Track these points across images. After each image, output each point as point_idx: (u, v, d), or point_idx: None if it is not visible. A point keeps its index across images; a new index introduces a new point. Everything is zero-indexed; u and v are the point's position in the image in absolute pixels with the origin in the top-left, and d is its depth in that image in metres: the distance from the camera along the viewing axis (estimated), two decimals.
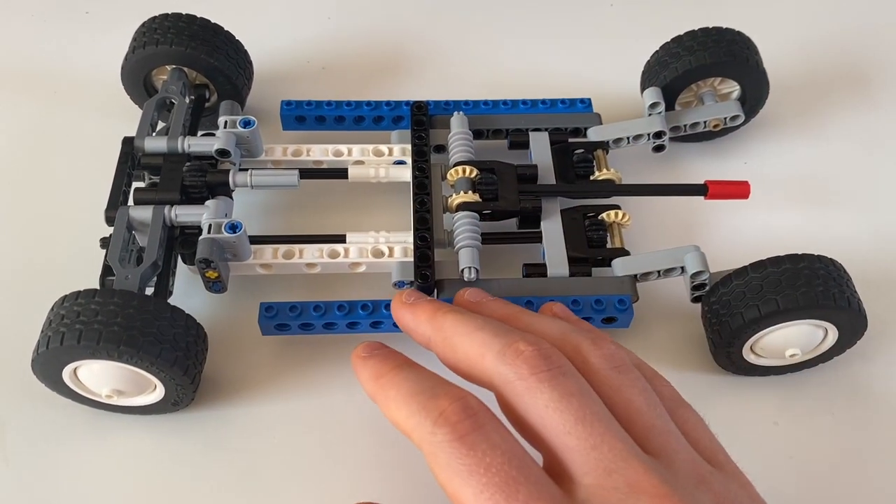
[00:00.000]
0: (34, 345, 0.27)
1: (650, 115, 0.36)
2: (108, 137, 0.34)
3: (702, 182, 0.34)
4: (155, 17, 0.35)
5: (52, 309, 0.28)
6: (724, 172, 0.38)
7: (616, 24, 0.45)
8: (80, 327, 0.26)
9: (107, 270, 0.30)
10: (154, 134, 0.33)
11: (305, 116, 0.36)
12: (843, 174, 0.38)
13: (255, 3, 0.44)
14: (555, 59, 0.42)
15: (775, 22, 0.44)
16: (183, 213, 0.30)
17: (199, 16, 0.36)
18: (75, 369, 0.28)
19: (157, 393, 0.29)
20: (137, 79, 0.36)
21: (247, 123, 0.33)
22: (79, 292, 0.27)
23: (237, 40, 0.36)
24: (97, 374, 0.28)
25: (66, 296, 0.27)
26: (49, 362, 0.27)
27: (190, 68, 0.35)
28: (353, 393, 0.30)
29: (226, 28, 0.36)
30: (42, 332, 0.27)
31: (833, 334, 0.30)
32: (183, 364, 0.28)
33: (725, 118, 0.36)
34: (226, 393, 0.31)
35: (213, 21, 0.36)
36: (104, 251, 0.30)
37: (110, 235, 0.30)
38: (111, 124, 0.37)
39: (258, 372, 0.31)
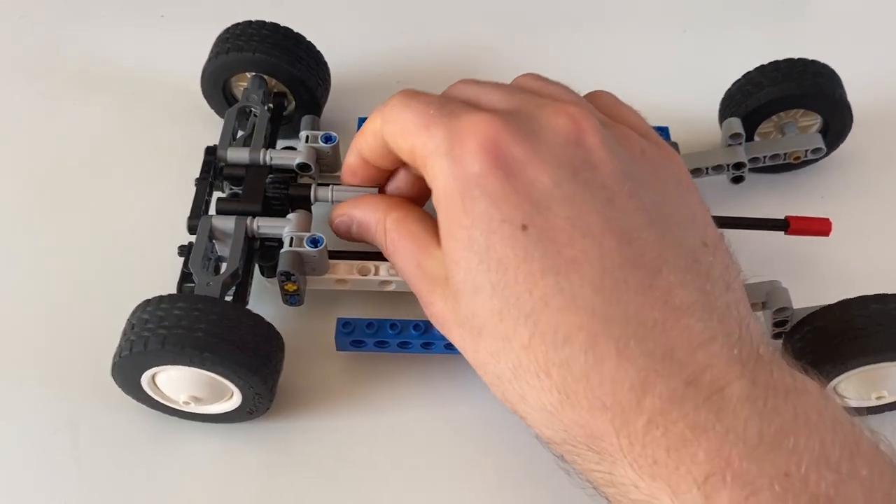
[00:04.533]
0: (113, 349, 0.28)
1: (729, 145, 0.36)
2: (182, 143, 0.35)
3: (782, 217, 0.34)
4: (238, 24, 0.36)
5: (134, 313, 0.28)
6: (799, 207, 0.37)
7: (692, 51, 0.44)
8: (163, 332, 0.26)
9: (185, 277, 0.30)
10: (233, 143, 0.33)
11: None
12: None
13: (331, 13, 0.44)
14: (631, 83, 0.42)
15: (858, 53, 0.43)
16: (265, 225, 0.30)
17: (281, 24, 0.36)
18: (154, 375, 0.28)
19: (233, 401, 0.29)
20: (217, 84, 0.36)
21: (328, 139, 0.33)
22: (162, 297, 0.28)
23: (318, 51, 0.37)
24: (176, 381, 0.28)
25: (149, 300, 0.28)
26: (129, 367, 0.27)
27: (270, 76, 0.35)
28: (425, 411, 0.31)
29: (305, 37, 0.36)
30: (123, 335, 0.27)
31: None
32: (262, 372, 0.28)
33: (807, 150, 0.36)
34: (298, 405, 0.31)
35: (294, 30, 0.36)
36: (182, 259, 0.30)
37: (189, 243, 0.30)
38: (186, 129, 0.38)
39: (330, 386, 0.31)
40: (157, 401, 0.29)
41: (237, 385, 0.28)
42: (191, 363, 0.27)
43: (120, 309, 0.28)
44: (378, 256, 0.31)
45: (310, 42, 0.36)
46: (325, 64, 0.37)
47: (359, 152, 0.30)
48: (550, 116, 0.26)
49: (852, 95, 0.36)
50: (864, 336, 0.28)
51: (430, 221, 0.28)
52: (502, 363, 0.24)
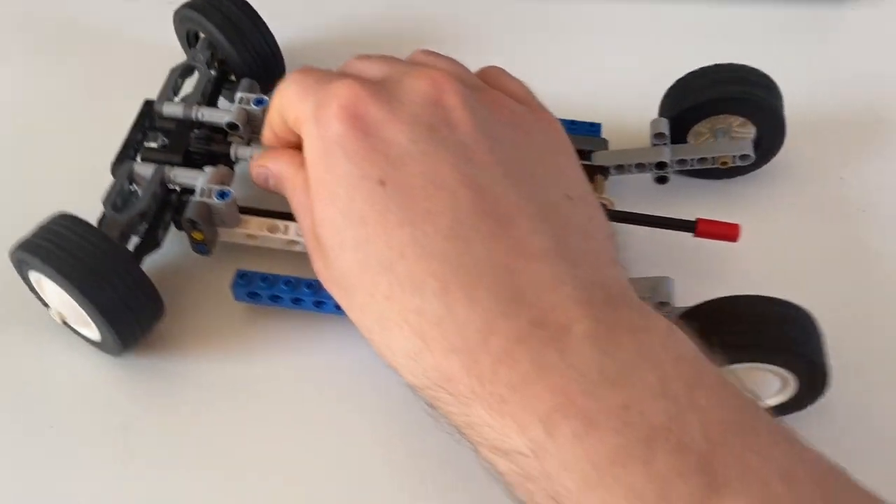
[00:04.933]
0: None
1: (655, 144, 0.36)
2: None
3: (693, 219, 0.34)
4: None
5: (49, 219, 0.30)
6: (725, 214, 0.37)
7: (638, 54, 0.45)
8: (42, 244, 0.29)
9: (104, 216, 0.32)
10: (177, 100, 0.36)
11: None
12: (851, 228, 0.37)
13: None
14: (574, 83, 0.42)
15: (801, 65, 0.43)
16: (181, 175, 0.32)
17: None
18: (40, 278, 0.30)
19: (95, 333, 0.31)
20: (182, 32, 0.39)
21: (259, 102, 0.35)
22: (64, 214, 0.30)
23: (275, 41, 0.38)
24: (52, 292, 0.30)
25: (62, 214, 0.30)
26: (19, 258, 0.30)
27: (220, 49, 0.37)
28: (309, 360, 0.33)
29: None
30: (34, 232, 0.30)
31: (793, 386, 0.29)
32: (121, 317, 0.29)
33: (734, 157, 0.36)
34: (191, 346, 0.33)
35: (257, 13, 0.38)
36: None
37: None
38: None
39: (226, 332, 0.33)
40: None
41: (93, 320, 0.30)
42: (55, 282, 0.29)
43: None
44: (291, 217, 0.33)
45: (269, 30, 0.38)
46: (278, 51, 0.39)
47: (270, 126, 0.31)
48: (413, 80, 0.27)
49: (797, 108, 0.36)
50: (729, 334, 0.28)
51: None
52: (369, 316, 0.26)
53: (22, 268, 0.30)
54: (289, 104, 0.29)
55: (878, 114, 0.42)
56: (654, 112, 0.39)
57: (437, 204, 0.25)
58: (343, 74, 0.28)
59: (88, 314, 0.29)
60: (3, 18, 0.45)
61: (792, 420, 0.30)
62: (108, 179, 0.33)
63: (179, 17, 0.38)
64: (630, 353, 0.22)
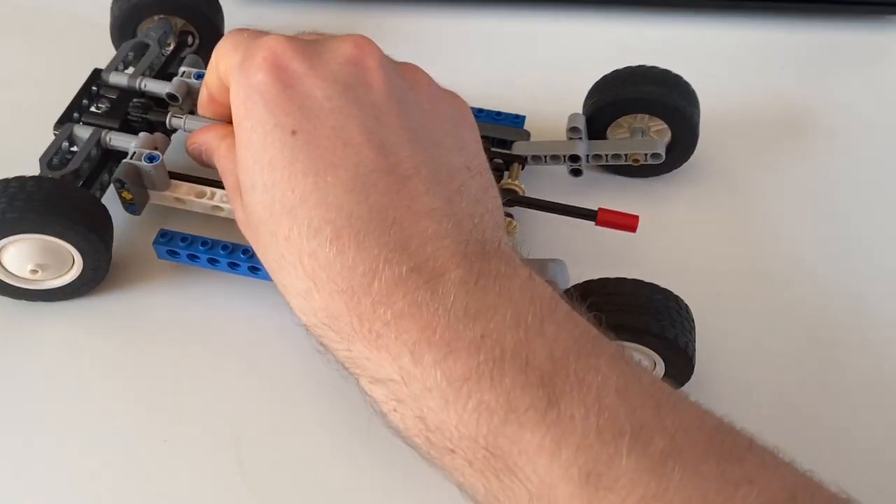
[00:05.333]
0: None
1: (570, 138, 0.38)
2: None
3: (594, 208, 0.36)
4: None
5: None
6: (638, 210, 0.39)
7: (568, 55, 0.47)
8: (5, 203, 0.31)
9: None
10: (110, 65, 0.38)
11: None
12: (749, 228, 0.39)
13: None
14: (503, 77, 0.45)
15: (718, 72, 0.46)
16: (116, 139, 0.35)
17: None
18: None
19: (74, 270, 0.33)
20: (126, 29, 0.41)
21: (200, 76, 0.37)
22: (7, 179, 0.32)
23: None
24: (22, 253, 0.32)
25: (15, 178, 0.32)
26: None
27: (175, 15, 0.40)
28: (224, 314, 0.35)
29: None
30: None
31: (659, 368, 0.31)
32: (99, 233, 0.32)
33: (646, 154, 0.38)
34: (122, 298, 0.35)
35: None
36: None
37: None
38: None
39: (152, 286, 0.36)
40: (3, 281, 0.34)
41: (79, 248, 0.32)
42: (31, 230, 0.31)
43: None
44: (219, 185, 0.35)
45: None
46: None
47: (206, 88, 0.34)
48: (338, 41, 0.29)
49: (718, 110, 0.38)
50: (609, 312, 0.29)
51: None
52: (271, 254, 0.28)
53: None
54: (221, 57, 0.31)
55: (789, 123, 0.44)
56: (579, 109, 0.41)
57: (342, 158, 0.26)
58: (270, 32, 0.30)
59: (73, 243, 0.32)
60: None
61: None
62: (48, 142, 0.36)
63: (122, 14, 0.40)
64: (492, 294, 0.25)
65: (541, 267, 0.33)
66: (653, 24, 0.49)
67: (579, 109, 0.41)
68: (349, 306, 0.25)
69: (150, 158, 0.34)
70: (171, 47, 0.41)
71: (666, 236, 0.38)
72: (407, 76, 0.30)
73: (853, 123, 0.44)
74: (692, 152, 0.39)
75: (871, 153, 0.43)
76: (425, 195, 0.26)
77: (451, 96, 0.31)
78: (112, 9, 0.41)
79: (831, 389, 0.34)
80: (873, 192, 0.41)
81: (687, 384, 0.32)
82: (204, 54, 0.40)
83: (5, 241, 0.32)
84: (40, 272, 0.33)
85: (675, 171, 0.40)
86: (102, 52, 0.41)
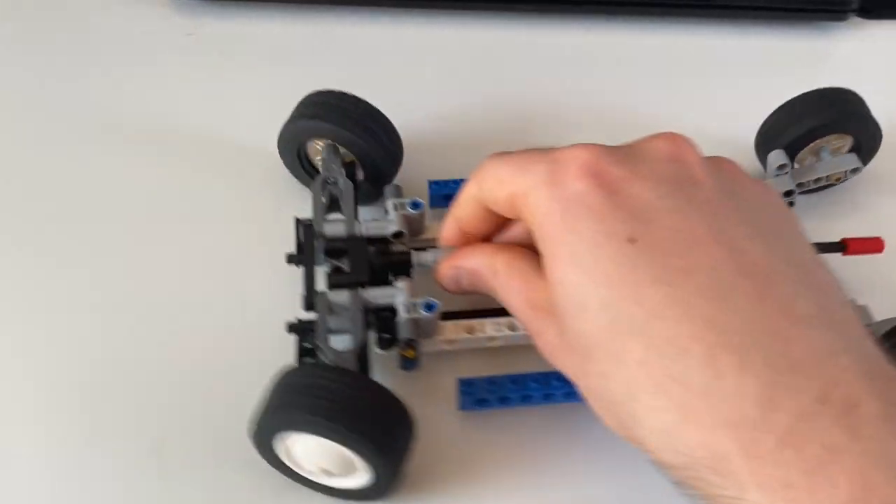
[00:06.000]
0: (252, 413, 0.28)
1: (777, 175, 0.38)
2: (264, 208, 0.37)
3: (837, 240, 0.36)
4: (321, 91, 0.37)
5: (276, 381, 0.28)
6: (841, 222, 0.40)
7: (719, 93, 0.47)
8: (305, 400, 0.27)
9: (304, 352, 0.31)
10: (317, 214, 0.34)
11: None
12: None
13: (400, 80, 0.45)
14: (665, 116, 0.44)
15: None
16: (378, 295, 0.31)
17: (363, 98, 0.37)
18: (288, 442, 0.29)
19: (359, 479, 0.29)
20: (293, 145, 0.37)
21: (415, 205, 0.34)
22: (313, 363, 0.29)
23: (393, 126, 0.37)
24: (309, 450, 0.29)
25: (291, 368, 0.29)
26: (265, 430, 0.28)
27: (343, 146, 0.36)
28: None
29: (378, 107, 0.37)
30: (266, 400, 0.28)
31: None
32: (390, 454, 0.28)
33: (846, 171, 0.39)
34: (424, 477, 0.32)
35: (370, 103, 0.37)
36: (293, 335, 0.31)
37: (299, 321, 0.31)
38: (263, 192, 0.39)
39: (453, 449, 0.32)
40: (287, 466, 0.30)
41: (367, 461, 0.28)
42: (324, 435, 0.27)
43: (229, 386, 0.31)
44: (477, 315, 0.33)
45: (386, 118, 0.37)
46: (398, 139, 0.38)
47: (456, 221, 0.31)
48: (649, 141, 0.27)
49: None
50: None
51: (536, 258, 0.28)
52: (613, 384, 0.24)
53: (267, 436, 0.28)
54: (502, 183, 0.28)
55: None
56: (743, 144, 0.41)
57: (693, 262, 0.24)
58: (563, 147, 0.27)
59: (360, 456, 0.28)
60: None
61: None
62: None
63: (293, 131, 0.36)
64: None
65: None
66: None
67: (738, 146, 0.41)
68: (742, 444, 0.21)
69: (428, 307, 0.31)
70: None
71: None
72: (722, 166, 0.28)
73: None
74: (874, 156, 0.40)
75: None
76: (797, 298, 0.23)
77: (763, 184, 0.29)
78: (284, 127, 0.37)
79: None
80: None
81: None
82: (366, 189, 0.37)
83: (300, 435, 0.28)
84: (325, 476, 0.29)
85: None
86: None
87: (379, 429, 0.28)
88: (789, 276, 0.24)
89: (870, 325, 0.33)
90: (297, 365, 0.29)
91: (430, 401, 0.33)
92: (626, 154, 0.26)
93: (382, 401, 0.28)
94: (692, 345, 0.22)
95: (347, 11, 0.47)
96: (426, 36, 0.47)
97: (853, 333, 0.24)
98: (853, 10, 0.48)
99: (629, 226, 0.24)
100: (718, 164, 0.28)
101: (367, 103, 0.37)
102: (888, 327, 0.32)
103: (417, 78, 0.45)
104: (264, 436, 0.28)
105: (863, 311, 0.33)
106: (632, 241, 0.24)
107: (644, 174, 0.26)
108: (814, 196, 0.41)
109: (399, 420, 0.29)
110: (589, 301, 0.24)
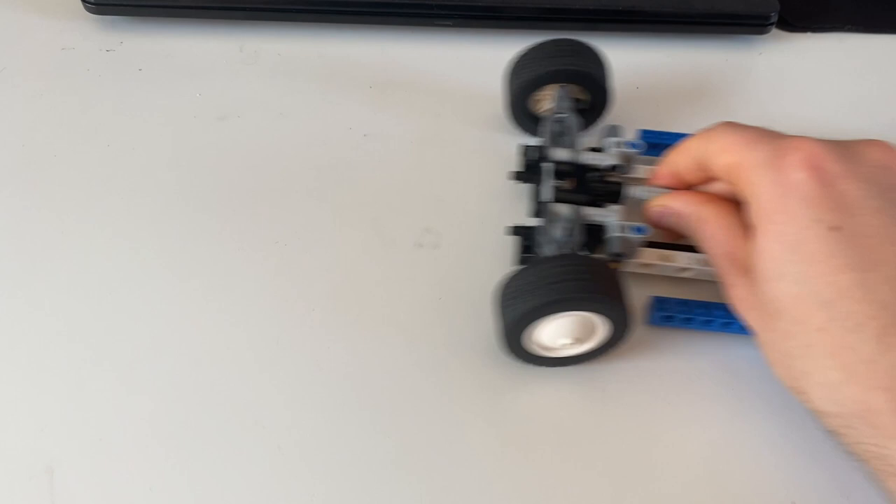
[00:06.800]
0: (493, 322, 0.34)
1: None
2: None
3: None
4: (532, 46, 0.41)
5: (532, 269, 0.33)
6: None
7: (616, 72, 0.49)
8: (570, 283, 0.32)
9: (525, 250, 0.36)
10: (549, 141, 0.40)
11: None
12: None
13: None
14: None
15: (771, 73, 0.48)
16: (594, 213, 0.37)
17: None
18: (537, 332, 0.34)
19: (598, 336, 0.34)
20: (523, 99, 0.42)
21: (633, 145, 0.39)
22: (561, 255, 0.34)
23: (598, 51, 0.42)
24: (552, 332, 0.34)
25: (547, 257, 0.34)
26: (514, 329, 0.33)
27: (571, 83, 0.41)
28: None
29: None
30: (527, 290, 0.32)
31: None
32: (625, 299, 0.33)
33: None
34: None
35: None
36: (516, 237, 0.37)
37: (520, 226, 0.37)
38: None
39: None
40: (536, 356, 0.35)
41: (610, 317, 0.33)
42: (574, 308, 0.32)
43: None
44: (677, 247, 0.37)
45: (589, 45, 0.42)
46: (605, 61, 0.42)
47: (673, 165, 0.36)
48: (864, 146, 0.31)
49: None
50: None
51: (740, 217, 0.33)
52: (794, 342, 0.29)
53: (516, 334, 0.33)
54: (726, 150, 0.33)
55: None
56: None
57: (886, 255, 0.28)
58: (790, 135, 0.32)
59: (604, 317, 0.33)
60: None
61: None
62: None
63: (520, 85, 0.41)
64: None
65: None
66: None
67: None
68: (892, 405, 0.27)
69: (638, 230, 0.36)
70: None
71: None
72: None
73: None
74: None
75: None
76: None
77: None
78: (510, 83, 0.42)
79: None
80: None
81: None
82: (592, 116, 0.43)
83: (553, 317, 0.33)
84: (575, 343, 0.34)
85: None
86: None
87: (610, 287, 0.33)
88: None
89: None
90: (523, 264, 0.34)
91: None
92: (843, 153, 0.31)
93: (601, 268, 0.33)
94: (868, 322, 0.27)
95: (263, 27, 0.48)
96: None
97: None
98: (774, 24, 0.49)
99: (836, 216, 0.29)
100: None
101: (574, 40, 0.42)
102: None
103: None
104: (513, 334, 0.33)
105: None
106: (835, 229, 0.29)
107: (858, 174, 0.30)
108: None
109: (616, 279, 0.33)
110: (787, 272, 0.30)
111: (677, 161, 0.36)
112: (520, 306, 0.33)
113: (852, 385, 0.28)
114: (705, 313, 0.36)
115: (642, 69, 0.48)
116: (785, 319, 0.30)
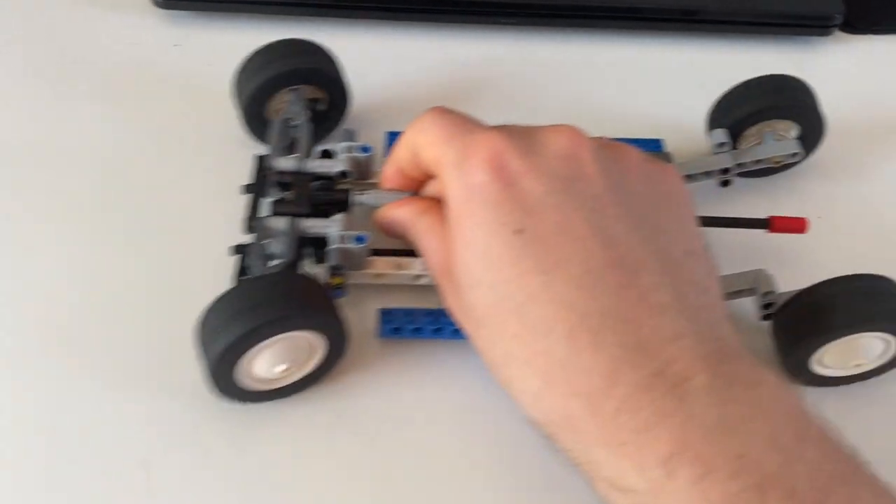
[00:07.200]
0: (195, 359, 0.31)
1: (717, 153, 0.40)
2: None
3: (764, 216, 0.38)
4: (259, 49, 0.39)
5: (209, 309, 0.31)
6: (779, 206, 0.41)
7: (684, 66, 0.49)
8: (261, 310, 0.30)
9: (242, 271, 0.34)
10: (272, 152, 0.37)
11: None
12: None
13: (358, 35, 0.48)
14: (630, 101, 0.47)
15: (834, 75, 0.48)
16: (314, 225, 0.34)
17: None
18: (248, 361, 0.31)
19: (318, 355, 0.33)
20: (257, 107, 0.40)
21: (365, 150, 0.37)
22: (266, 275, 0.32)
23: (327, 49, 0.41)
24: (270, 356, 0.31)
25: (245, 280, 0.32)
26: (222, 363, 0.30)
27: (305, 84, 0.39)
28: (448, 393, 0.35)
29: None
30: (203, 337, 0.30)
31: (893, 346, 0.34)
32: (338, 314, 0.32)
33: (786, 155, 0.41)
34: (342, 387, 0.35)
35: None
36: (236, 256, 0.34)
37: (240, 244, 0.34)
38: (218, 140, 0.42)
39: (369, 368, 0.35)
40: (250, 391, 0.32)
41: (327, 334, 0.31)
42: (286, 330, 0.30)
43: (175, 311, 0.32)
44: (411, 253, 0.35)
45: (317, 44, 0.40)
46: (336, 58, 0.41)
47: (396, 163, 0.34)
48: (551, 134, 0.30)
49: (828, 111, 0.41)
50: (840, 310, 0.32)
51: None
52: (496, 350, 0.28)
53: (225, 369, 0.31)
54: (428, 144, 0.31)
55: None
56: (697, 125, 0.43)
57: (569, 254, 0.27)
58: (481, 124, 0.31)
59: (317, 333, 0.31)
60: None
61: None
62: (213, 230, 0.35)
63: (251, 92, 0.39)
64: (744, 405, 0.24)
65: (753, 278, 0.35)
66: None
67: (694, 124, 0.43)
68: (589, 410, 0.25)
69: (359, 239, 0.34)
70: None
71: (822, 227, 0.40)
72: (619, 160, 0.30)
73: None
74: (818, 146, 0.42)
75: None
76: (656, 289, 0.27)
77: (662, 171, 0.31)
78: (239, 84, 0.40)
79: None
80: None
81: None
82: (335, 116, 0.41)
83: (262, 344, 0.31)
84: (292, 368, 0.32)
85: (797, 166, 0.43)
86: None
87: (316, 301, 0.31)
88: (655, 269, 0.27)
89: (771, 294, 0.35)
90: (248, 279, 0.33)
91: (355, 328, 0.35)
92: (528, 147, 0.29)
93: (306, 283, 0.31)
94: (557, 325, 0.26)
95: (328, 23, 0.48)
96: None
97: (705, 320, 0.27)
98: (837, 25, 0.49)
99: (518, 218, 0.28)
100: (615, 157, 0.30)
101: (303, 40, 0.40)
102: (787, 298, 0.34)
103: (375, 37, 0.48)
104: (222, 370, 0.31)
105: (767, 279, 0.35)
106: (519, 232, 0.28)
107: (540, 169, 0.28)
108: (761, 179, 0.43)
109: (323, 293, 0.32)
110: (481, 280, 0.28)
111: (399, 157, 0.34)
112: (221, 339, 0.30)
113: (550, 392, 0.26)
114: (433, 322, 0.34)
115: (700, 70, 0.48)
116: (487, 327, 0.28)
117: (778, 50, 0.50)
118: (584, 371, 0.26)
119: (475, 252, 0.28)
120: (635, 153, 0.31)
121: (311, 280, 0.32)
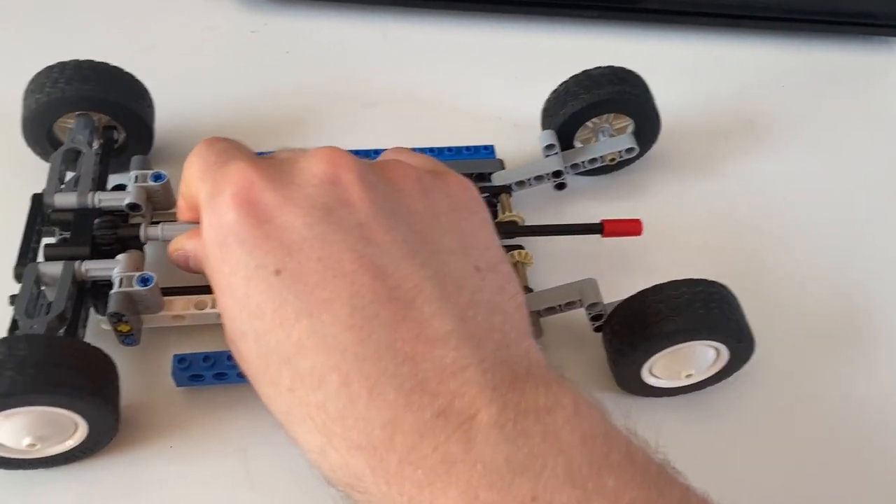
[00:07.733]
0: None
1: (547, 156, 0.38)
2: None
3: (598, 220, 0.36)
4: (52, 66, 0.35)
5: None
6: (623, 205, 0.40)
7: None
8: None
9: (14, 325, 0.30)
10: (64, 187, 0.34)
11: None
12: (734, 209, 0.41)
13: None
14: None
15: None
16: (94, 268, 0.31)
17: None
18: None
19: (79, 433, 0.29)
20: (41, 128, 0.36)
21: (157, 177, 0.33)
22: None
23: (137, 79, 0.37)
24: (16, 426, 0.28)
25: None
26: None
27: (97, 112, 0.36)
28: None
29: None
30: None
31: (725, 355, 0.32)
32: (104, 394, 0.28)
33: (621, 151, 0.39)
34: (141, 445, 0.31)
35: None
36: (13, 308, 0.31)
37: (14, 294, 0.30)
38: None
39: (171, 420, 0.32)
40: None
41: (82, 414, 0.28)
42: (28, 404, 0.27)
43: None
44: (210, 291, 0.32)
45: (127, 72, 0.37)
46: (145, 89, 0.37)
47: (182, 197, 0.31)
48: (308, 160, 0.26)
49: (665, 109, 0.39)
50: (665, 320, 0.30)
51: None
52: (275, 406, 0.25)
53: None
54: (191, 180, 0.28)
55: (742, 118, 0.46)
56: (535, 125, 0.41)
57: (335, 292, 0.24)
58: (239, 154, 0.27)
59: (77, 410, 0.28)
60: None
61: (723, 387, 0.34)
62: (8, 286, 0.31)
63: (36, 113, 0.35)
64: (536, 438, 0.22)
65: (579, 289, 0.33)
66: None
67: (530, 126, 0.41)
68: (372, 465, 0.22)
69: (144, 281, 0.30)
70: (97, 147, 0.36)
71: (662, 228, 0.39)
72: (390, 178, 0.27)
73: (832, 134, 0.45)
74: (655, 140, 0.40)
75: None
76: (435, 317, 0.24)
77: (445, 182, 0.28)
78: (26, 103, 0.36)
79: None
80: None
81: None
82: (133, 148, 0.37)
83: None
84: (39, 444, 0.29)
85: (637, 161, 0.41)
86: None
87: (82, 377, 0.27)
88: (433, 295, 0.24)
89: (597, 305, 0.33)
90: None
91: (154, 377, 0.32)
92: (281, 177, 0.26)
93: (74, 350, 0.28)
94: (330, 374, 0.23)
95: (404, 13, 0.48)
96: None
97: (495, 343, 0.24)
98: None
99: (277, 258, 0.24)
100: (387, 177, 0.27)
101: (105, 63, 0.36)
102: (612, 308, 0.32)
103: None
104: None
105: (591, 290, 0.33)
106: (278, 273, 0.24)
107: (297, 201, 0.25)
108: (603, 178, 0.41)
109: (97, 363, 0.28)
110: (247, 331, 0.25)
111: (182, 191, 0.30)
112: None
113: (333, 449, 0.23)
114: (237, 365, 0.31)
115: (769, 69, 0.48)
116: (261, 383, 0.25)
117: (849, 49, 0.49)
118: (363, 421, 0.23)
119: (237, 300, 0.25)
120: (411, 168, 0.27)
121: (74, 345, 0.28)
